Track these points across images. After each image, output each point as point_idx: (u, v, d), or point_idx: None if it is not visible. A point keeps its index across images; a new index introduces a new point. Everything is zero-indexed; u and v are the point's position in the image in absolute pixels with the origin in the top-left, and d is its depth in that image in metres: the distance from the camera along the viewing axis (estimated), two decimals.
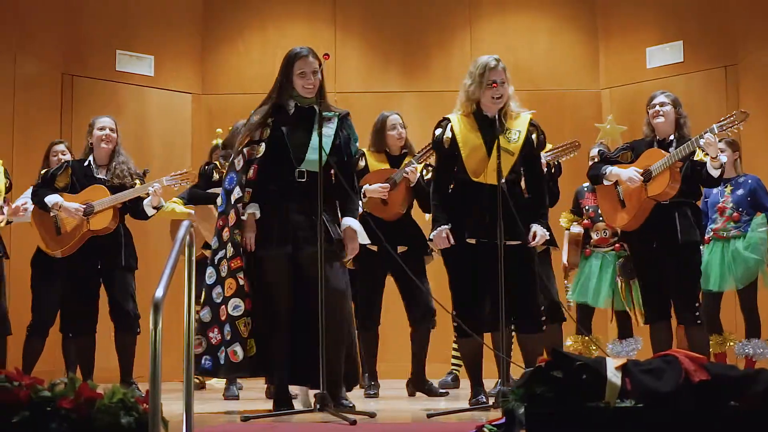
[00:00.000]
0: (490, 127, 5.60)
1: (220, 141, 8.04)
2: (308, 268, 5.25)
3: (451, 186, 5.74)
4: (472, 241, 5.54)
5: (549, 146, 6.62)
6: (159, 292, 3.18)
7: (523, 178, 5.76)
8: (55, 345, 7.79)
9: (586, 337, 7.42)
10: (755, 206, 7.27)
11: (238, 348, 5.31)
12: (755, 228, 7.22)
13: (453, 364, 7.92)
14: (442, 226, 5.61)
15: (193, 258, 3.73)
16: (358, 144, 5.72)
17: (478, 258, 5.51)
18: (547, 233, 5.68)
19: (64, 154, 7.63)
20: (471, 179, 5.58)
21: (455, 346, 7.92)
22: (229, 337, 5.31)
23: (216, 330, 5.35)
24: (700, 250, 6.54)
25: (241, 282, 5.35)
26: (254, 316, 5.35)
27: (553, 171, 6.85)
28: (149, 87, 10.29)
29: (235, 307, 5.34)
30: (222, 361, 5.31)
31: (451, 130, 5.71)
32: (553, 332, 6.84)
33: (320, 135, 5.21)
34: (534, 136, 5.70)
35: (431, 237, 5.70)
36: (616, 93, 10.32)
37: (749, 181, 7.30)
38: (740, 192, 7.27)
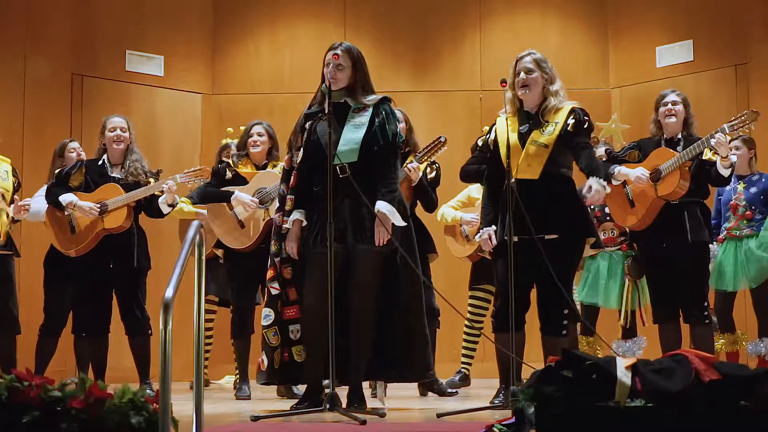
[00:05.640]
0: (528, 123, 5.63)
1: (230, 140, 8.04)
2: (357, 266, 5.33)
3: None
4: (515, 238, 5.47)
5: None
6: (169, 292, 3.19)
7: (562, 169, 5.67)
8: (66, 345, 7.80)
9: (591, 338, 7.39)
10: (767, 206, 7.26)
11: (264, 357, 5.41)
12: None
13: (462, 363, 7.90)
14: (485, 229, 5.65)
15: (203, 258, 3.73)
16: (400, 126, 5.70)
17: (522, 255, 5.42)
18: (605, 184, 5.52)
19: (81, 152, 7.66)
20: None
21: (465, 344, 7.91)
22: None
23: None
24: (710, 250, 6.53)
25: (274, 292, 5.39)
26: (303, 321, 5.41)
27: None
28: (159, 87, 10.29)
29: (265, 316, 5.41)
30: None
31: (495, 131, 5.74)
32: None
33: (330, 135, 5.18)
34: (572, 120, 5.61)
35: (477, 240, 5.77)
36: (626, 92, 10.30)
37: (763, 179, 7.28)
38: (753, 190, 7.25)
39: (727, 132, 6.15)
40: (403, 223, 5.43)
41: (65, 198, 6.93)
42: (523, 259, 5.40)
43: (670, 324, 6.39)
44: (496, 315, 5.65)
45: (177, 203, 7.12)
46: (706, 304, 6.33)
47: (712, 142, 6.14)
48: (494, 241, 5.61)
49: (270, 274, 5.43)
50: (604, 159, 6.89)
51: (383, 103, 5.51)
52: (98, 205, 6.89)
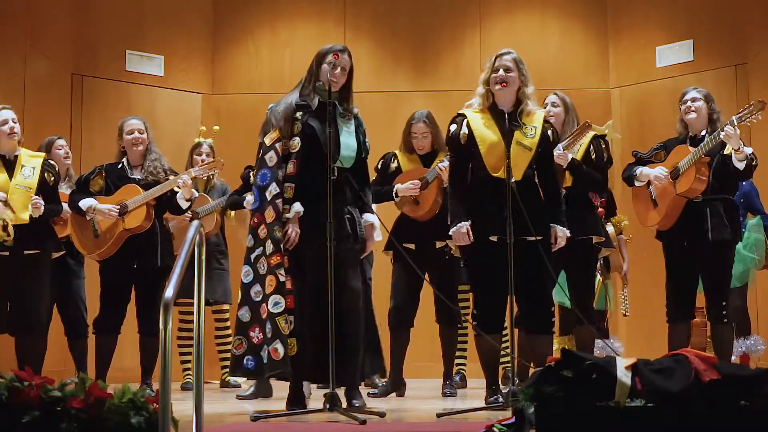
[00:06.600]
0: (505, 122, 5.59)
1: (202, 139, 8.08)
2: (345, 266, 5.32)
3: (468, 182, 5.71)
4: (494, 238, 5.47)
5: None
6: (169, 292, 3.20)
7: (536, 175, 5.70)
8: (65, 345, 7.79)
9: (566, 338, 7.35)
10: (747, 208, 7.32)
11: (279, 345, 5.23)
12: (751, 229, 7.23)
13: (458, 364, 7.88)
14: (462, 223, 5.56)
15: (203, 258, 3.74)
16: (368, 141, 5.72)
17: (501, 255, 5.38)
18: (568, 232, 5.65)
19: (68, 150, 7.67)
20: (490, 175, 5.53)
21: (459, 345, 7.88)
22: (270, 335, 5.25)
23: (257, 329, 5.29)
24: (733, 248, 6.45)
25: (282, 279, 5.29)
26: (295, 315, 5.31)
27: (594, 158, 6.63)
28: (159, 87, 10.30)
29: (275, 303, 5.26)
30: (265, 360, 5.26)
31: (468, 126, 5.69)
32: (584, 334, 6.77)
33: (329, 135, 5.18)
34: (549, 132, 5.70)
35: (450, 234, 5.66)
36: (626, 92, 10.30)
37: (743, 183, 7.28)
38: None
39: (736, 124, 6.12)
40: (380, 238, 5.61)
41: (85, 203, 6.92)
42: (505, 260, 5.36)
43: (682, 325, 6.36)
44: (479, 318, 5.61)
45: (195, 197, 7.12)
46: (724, 303, 6.28)
47: (722, 135, 6.13)
48: (471, 237, 5.57)
49: (276, 260, 5.31)
50: (632, 161, 6.79)
51: (358, 117, 5.62)
52: (117, 207, 6.89)
